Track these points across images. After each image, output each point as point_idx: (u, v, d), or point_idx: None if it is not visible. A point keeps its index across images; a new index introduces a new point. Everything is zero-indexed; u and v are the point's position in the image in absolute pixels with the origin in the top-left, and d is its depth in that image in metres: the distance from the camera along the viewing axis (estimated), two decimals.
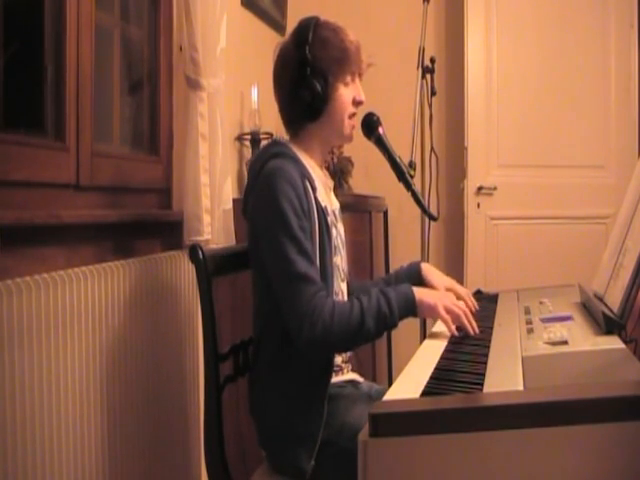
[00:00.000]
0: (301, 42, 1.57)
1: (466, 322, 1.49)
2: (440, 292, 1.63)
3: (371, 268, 3.03)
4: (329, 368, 1.54)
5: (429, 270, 1.79)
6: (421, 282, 1.78)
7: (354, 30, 1.64)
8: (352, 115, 1.64)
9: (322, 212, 1.56)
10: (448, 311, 1.50)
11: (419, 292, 1.52)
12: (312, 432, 1.48)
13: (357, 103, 1.64)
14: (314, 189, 1.56)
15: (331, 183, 1.71)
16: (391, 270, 3.47)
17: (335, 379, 1.61)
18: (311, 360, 1.52)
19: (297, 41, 1.59)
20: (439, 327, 1.55)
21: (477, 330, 1.49)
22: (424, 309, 1.51)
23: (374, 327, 1.46)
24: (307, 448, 1.48)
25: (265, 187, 1.52)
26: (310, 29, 1.58)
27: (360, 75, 1.65)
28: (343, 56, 1.59)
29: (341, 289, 1.67)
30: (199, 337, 1.91)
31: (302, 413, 1.50)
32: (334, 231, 1.63)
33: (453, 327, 1.49)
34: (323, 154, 1.71)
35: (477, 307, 1.69)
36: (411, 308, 1.50)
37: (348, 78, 1.61)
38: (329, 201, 1.66)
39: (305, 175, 1.55)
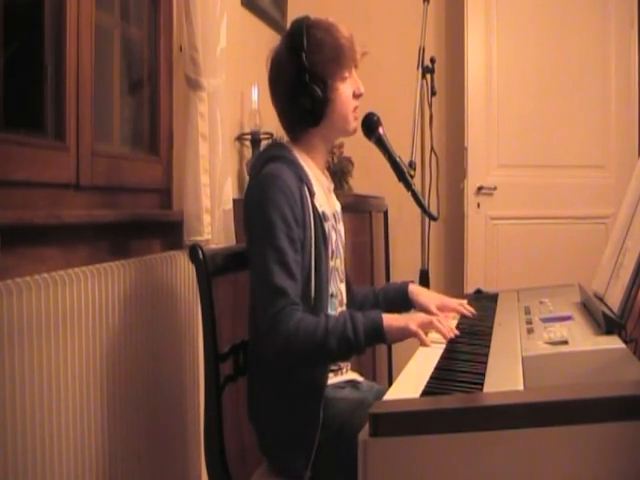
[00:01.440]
0: (296, 48, 1.56)
1: (439, 325, 1.47)
2: (410, 314, 1.57)
3: (371, 268, 3.03)
4: (324, 372, 1.54)
5: (417, 291, 1.78)
6: (410, 303, 1.77)
7: (354, 31, 1.63)
8: (354, 109, 1.63)
9: (319, 218, 1.55)
10: (419, 325, 1.46)
11: (388, 318, 1.48)
12: (309, 437, 1.47)
13: (357, 96, 1.63)
14: (312, 194, 1.55)
15: (331, 185, 1.70)
16: (391, 270, 3.47)
17: (335, 379, 1.61)
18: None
19: (291, 47, 1.57)
20: None
21: (452, 335, 1.46)
22: (394, 333, 1.47)
23: (336, 349, 1.44)
24: (304, 454, 1.47)
25: (257, 194, 1.52)
26: (303, 33, 1.56)
27: (356, 66, 1.64)
28: (339, 54, 1.58)
29: (340, 290, 1.67)
30: (199, 337, 1.91)
31: (298, 419, 1.50)
32: (333, 234, 1.63)
33: (426, 338, 1.45)
34: (326, 154, 1.71)
35: (474, 312, 1.68)
36: (379, 334, 1.46)
37: (346, 73, 1.60)
38: (328, 204, 1.65)
39: (303, 179, 1.55)
